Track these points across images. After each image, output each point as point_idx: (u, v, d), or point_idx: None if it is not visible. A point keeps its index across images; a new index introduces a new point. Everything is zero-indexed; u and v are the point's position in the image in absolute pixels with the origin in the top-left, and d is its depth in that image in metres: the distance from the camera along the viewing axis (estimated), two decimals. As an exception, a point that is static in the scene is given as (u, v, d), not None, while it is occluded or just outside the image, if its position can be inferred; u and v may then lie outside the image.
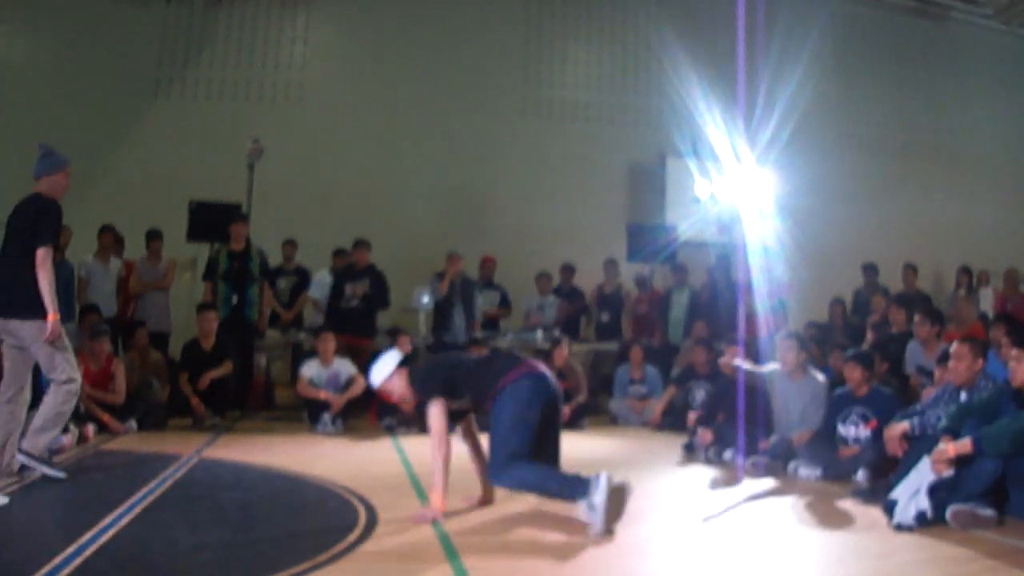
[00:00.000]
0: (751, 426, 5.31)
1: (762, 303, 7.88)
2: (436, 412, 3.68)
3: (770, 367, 5.66)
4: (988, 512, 3.57)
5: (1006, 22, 12.49)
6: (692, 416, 6.10)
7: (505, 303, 9.04)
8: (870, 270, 9.17)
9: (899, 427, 4.29)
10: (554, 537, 3.42)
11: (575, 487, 3.42)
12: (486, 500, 3.92)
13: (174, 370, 7.11)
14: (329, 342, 6.86)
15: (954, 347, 4.38)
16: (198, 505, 3.87)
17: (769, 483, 4.79)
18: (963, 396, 4.26)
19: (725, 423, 5.59)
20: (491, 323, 8.74)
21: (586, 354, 8.60)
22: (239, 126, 9.27)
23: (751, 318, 7.76)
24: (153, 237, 7.99)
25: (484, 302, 8.55)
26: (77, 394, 4.39)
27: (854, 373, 5.02)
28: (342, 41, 10.83)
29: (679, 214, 10.38)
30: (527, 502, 4.02)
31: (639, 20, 11.41)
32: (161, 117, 10.07)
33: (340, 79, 10.62)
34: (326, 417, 6.58)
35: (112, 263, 7.80)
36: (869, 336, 7.30)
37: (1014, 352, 3.89)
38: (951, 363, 4.35)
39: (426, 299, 8.12)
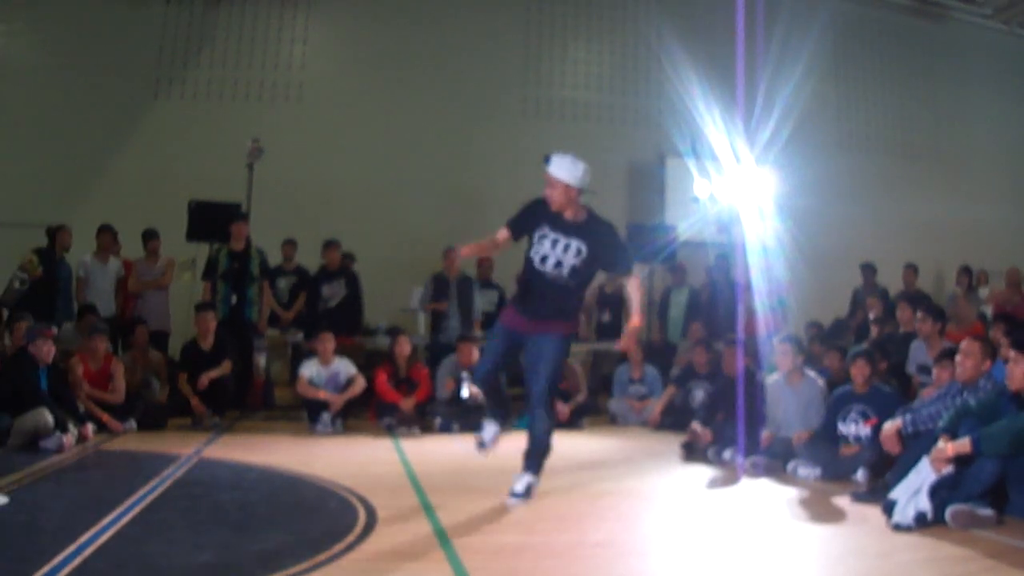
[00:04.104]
0: (751, 426, 5.31)
1: (761, 303, 7.89)
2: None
3: (769, 379, 5.66)
4: (987, 512, 3.57)
5: (1006, 22, 12.48)
6: (696, 427, 5.94)
7: (503, 303, 9.03)
8: (868, 269, 9.18)
9: (893, 425, 4.31)
10: (554, 537, 3.42)
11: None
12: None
13: (173, 370, 7.11)
14: (328, 342, 6.85)
15: (964, 343, 4.39)
16: (198, 505, 3.87)
17: (768, 483, 4.80)
18: (964, 395, 4.27)
19: (725, 422, 5.59)
20: (491, 322, 8.70)
21: (586, 354, 8.59)
22: (239, 126, 9.27)
23: (750, 318, 7.77)
24: (150, 237, 7.96)
25: (483, 301, 8.54)
26: None
27: (864, 370, 5.03)
28: (342, 41, 10.83)
29: (678, 214, 10.38)
30: (527, 502, 4.02)
31: (639, 20, 11.41)
32: (161, 117, 10.07)
33: (340, 79, 10.61)
34: (325, 417, 6.57)
35: (111, 263, 7.79)
36: (874, 331, 7.31)
37: (1012, 354, 3.89)
38: (959, 358, 4.35)
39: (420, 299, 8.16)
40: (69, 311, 7.46)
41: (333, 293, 7.77)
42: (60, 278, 7.35)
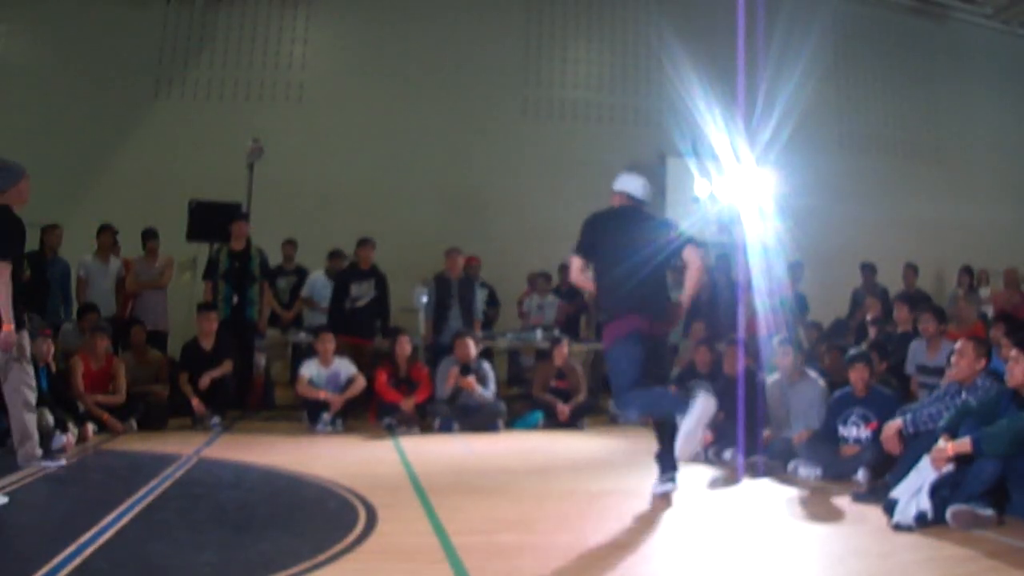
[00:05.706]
0: (751, 426, 5.31)
1: (762, 303, 7.88)
2: None
3: (769, 379, 5.66)
4: (988, 512, 3.56)
5: (1006, 22, 12.48)
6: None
7: (494, 302, 9.03)
8: (868, 269, 9.17)
9: (893, 425, 4.31)
10: (554, 537, 3.42)
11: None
12: None
13: (174, 369, 7.10)
14: (328, 342, 6.85)
15: (959, 344, 4.39)
16: (198, 505, 3.87)
17: (768, 483, 4.80)
18: (963, 395, 4.27)
19: (725, 422, 5.58)
20: (485, 323, 8.67)
21: (586, 354, 8.58)
22: (239, 126, 9.27)
23: (751, 318, 7.76)
24: (149, 236, 7.95)
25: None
26: (31, 407, 4.50)
27: (863, 374, 5.02)
28: (342, 41, 10.83)
29: (679, 214, 10.35)
30: (527, 502, 4.02)
31: (639, 20, 11.41)
32: (161, 117, 10.07)
33: (340, 79, 10.61)
34: (325, 417, 6.57)
35: (112, 262, 7.79)
36: (872, 332, 7.31)
37: (1013, 352, 3.89)
38: (954, 358, 4.36)
39: (425, 299, 8.12)
40: (65, 310, 7.45)
41: (362, 293, 7.71)
42: (52, 277, 7.33)
